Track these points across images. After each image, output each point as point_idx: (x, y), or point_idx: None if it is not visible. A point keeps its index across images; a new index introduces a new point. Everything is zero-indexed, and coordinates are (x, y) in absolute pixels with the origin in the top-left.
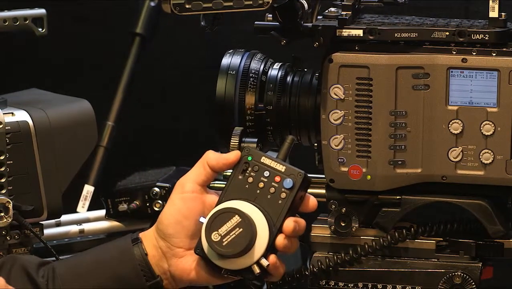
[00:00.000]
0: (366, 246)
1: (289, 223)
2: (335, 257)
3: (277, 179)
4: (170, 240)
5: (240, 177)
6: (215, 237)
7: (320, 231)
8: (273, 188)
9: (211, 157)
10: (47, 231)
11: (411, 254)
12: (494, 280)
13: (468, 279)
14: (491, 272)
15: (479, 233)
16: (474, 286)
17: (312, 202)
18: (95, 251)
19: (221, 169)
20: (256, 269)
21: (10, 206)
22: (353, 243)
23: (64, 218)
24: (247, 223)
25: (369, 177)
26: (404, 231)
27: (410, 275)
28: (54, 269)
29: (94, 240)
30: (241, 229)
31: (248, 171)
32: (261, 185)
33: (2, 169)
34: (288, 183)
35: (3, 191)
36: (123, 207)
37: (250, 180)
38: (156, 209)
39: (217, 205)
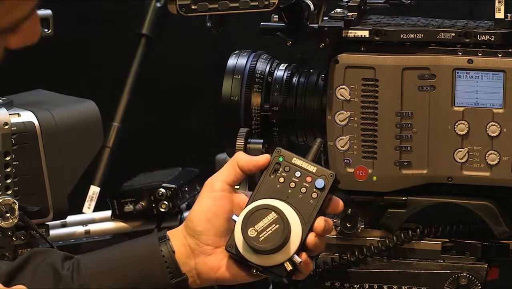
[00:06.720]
0: (372, 247)
1: (320, 222)
2: (341, 258)
3: (309, 179)
4: (200, 238)
5: (271, 176)
6: (251, 232)
7: None
8: (304, 188)
9: (242, 158)
10: (53, 232)
11: (416, 255)
12: (500, 281)
13: (474, 280)
14: (497, 273)
15: (485, 234)
16: (480, 287)
17: (341, 204)
18: (122, 247)
19: (251, 171)
20: (289, 266)
21: (16, 207)
22: (359, 244)
23: (70, 218)
24: (283, 220)
25: (375, 178)
26: (409, 232)
27: (415, 276)
28: (79, 263)
29: (100, 241)
30: (277, 225)
31: (279, 171)
32: (292, 184)
33: (8, 169)
34: (319, 183)
35: (9, 192)
36: (129, 207)
37: (281, 180)
38: (162, 210)
39: (248, 203)
